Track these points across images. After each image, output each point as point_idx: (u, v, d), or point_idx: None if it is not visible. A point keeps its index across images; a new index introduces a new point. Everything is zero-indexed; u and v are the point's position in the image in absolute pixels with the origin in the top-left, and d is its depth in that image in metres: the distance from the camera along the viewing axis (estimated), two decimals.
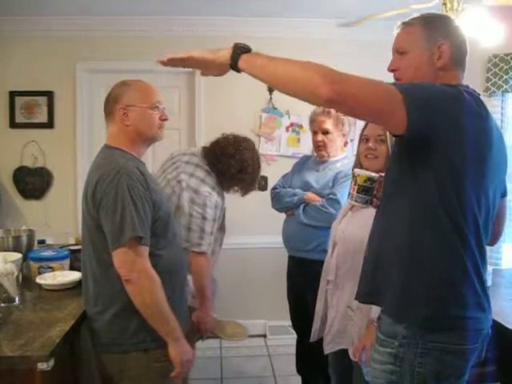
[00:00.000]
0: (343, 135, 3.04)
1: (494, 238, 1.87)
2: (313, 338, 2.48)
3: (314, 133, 3.10)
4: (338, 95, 1.37)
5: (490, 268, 2.99)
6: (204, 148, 2.86)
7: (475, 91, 1.63)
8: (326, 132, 3.03)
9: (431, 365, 1.54)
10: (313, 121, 3.12)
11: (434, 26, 1.65)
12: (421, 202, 1.53)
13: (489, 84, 4.12)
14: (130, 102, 2.06)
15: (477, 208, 1.54)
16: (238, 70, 1.56)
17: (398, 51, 1.69)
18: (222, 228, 2.94)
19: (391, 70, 1.70)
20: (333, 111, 2.98)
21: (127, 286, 1.88)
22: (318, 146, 3.08)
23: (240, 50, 1.57)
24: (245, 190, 2.88)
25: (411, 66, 1.65)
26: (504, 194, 1.79)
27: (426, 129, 1.43)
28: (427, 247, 1.53)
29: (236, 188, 2.86)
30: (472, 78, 4.25)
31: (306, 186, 3.06)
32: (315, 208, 2.91)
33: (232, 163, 2.74)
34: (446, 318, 1.54)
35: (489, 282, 2.91)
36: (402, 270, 1.57)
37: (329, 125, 3.01)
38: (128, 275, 1.87)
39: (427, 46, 1.63)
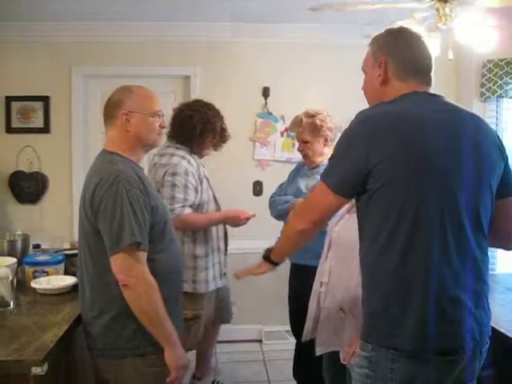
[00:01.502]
0: (325, 139, 3.03)
1: (509, 241, 1.83)
2: (304, 338, 2.48)
3: (298, 142, 3.20)
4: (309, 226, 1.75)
5: None
6: (167, 132, 3.05)
7: (425, 94, 1.70)
8: (304, 141, 3.08)
9: (403, 371, 1.54)
10: (294, 132, 3.25)
11: (378, 45, 1.75)
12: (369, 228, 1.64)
13: (483, 89, 4.14)
14: (133, 108, 2.06)
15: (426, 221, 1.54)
16: (276, 263, 2.13)
17: (363, 72, 1.83)
18: (215, 201, 3.11)
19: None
20: (304, 120, 3.04)
21: (125, 291, 1.88)
22: (302, 155, 3.16)
23: (265, 254, 2.15)
24: (220, 138, 3.12)
25: (367, 86, 1.80)
26: (507, 193, 1.71)
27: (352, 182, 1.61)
28: (378, 269, 1.62)
29: (212, 142, 3.09)
30: (467, 84, 4.34)
31: (298, 193, 3.09)
32: None
33: (194, 123, 2.97)
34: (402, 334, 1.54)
35: None
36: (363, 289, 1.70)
37: (304, 134, 3.06)
38: (126, 280, 1.87)
39: (374, 65, 1.74)
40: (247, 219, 3.12)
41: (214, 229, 3.07)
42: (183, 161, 2.91)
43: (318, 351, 2.40)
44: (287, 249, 2.05)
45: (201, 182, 2.98)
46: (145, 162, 3.12)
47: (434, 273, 1.53)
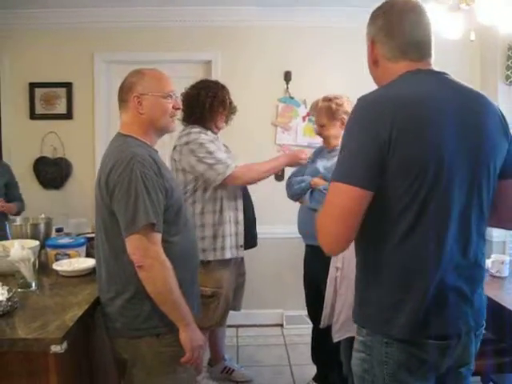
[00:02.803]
0: (341, 123, 3.01)
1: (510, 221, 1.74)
2: (323, 324, 2.48)
3: (316, 125, 3.26)
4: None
5: (506, 258, 2.97)
6: (180, 118, 3.16)
7: (427, 72, 1.57)
8: (321, 125, 3.12)
9: (398, 355, 1.50)
10: (313, 115, 3.32)
11: (368, 23, 1.66)
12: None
13: (509, 72, 4.05)
14: (144, 90, 2.07)
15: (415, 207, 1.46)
16: None
17: None
18: None
19: None
20: (320, 104, 3.08)
21: (140, 272, 1.90)
22: (322, 138, 3.21)
23: None
24: (231, 109, 3.24)
25: (368, 63, 1.68)
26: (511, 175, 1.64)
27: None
28: (370, 255, 1.58)
29: (223, 114, 3.19)
30: (491, 66, 4.27)
31: (315, 173, 3.08)
32: (319, 192, 2.93)
33: (202, 99, 3.08)
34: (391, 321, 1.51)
35: (506, 273, 2.90)
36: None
37: (321, 118, 3.10)
38: (141, 261, 1.89)
39: (368, 45, 1.66)
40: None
41: (231, 201, 3.13)
42: (201, 134, 3.03)
43: (336, 338, 2.40)
44: None
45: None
46: (166, 147, 3.17)
47: (433, 263, 1.47)
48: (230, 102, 3.23)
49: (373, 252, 1.56)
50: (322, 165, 3.09)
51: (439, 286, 1.48)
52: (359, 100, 1.53)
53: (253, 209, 3.33)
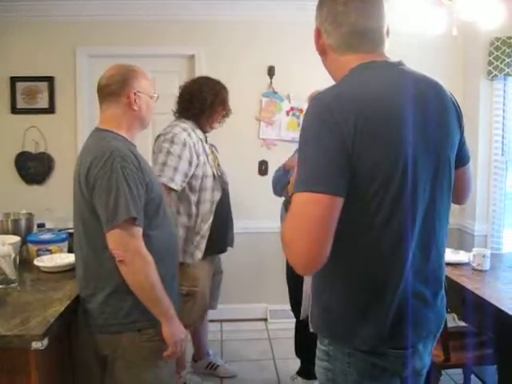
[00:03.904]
0: None
1: (460, 198, 1.72)
2: (302, 316, 2.49)
3: None
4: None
5: (487, 252, 3.00)
6: (175, 110, 3.13)
7: (382, 64, 1.47)
8: None
9: (360, 365, 1.46)
10: None
11: (316, 9, 1.53)
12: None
13: (491, 67, 4.09)
14: (140, 88, 2.10)
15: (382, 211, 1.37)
16: None
17: None
18: (214, 179, 3.06)
19: None
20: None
21: (121, 266, 1.90)
22: None
23: None
24: (228, 109, 3.18)
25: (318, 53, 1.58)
26: (462, 164, 1.62)
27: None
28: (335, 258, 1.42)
29: (220, 114, 3.13)
30: (474, 62, 4.28)
31: None
32: None
33: (204, 95, 3.01)
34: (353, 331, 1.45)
35: (487, 266, 2.93)
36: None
37: None
38: (122, 256, 1.88)
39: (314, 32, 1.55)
40: None
41: (207, 204, 3.03)
42: (184, 132, 2.94)
43: (312, 328, 2.41)
44: None
45: (197, 156, 2.96)
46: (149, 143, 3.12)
47: (399, 268, 1.41)
48: (228, 100, 3.18)
49: (339, 255, 1.41)
50: None
51: (404, 293, 1.42)
52: (316, 100, 1.39)
53: (230, 211, 3.28)
